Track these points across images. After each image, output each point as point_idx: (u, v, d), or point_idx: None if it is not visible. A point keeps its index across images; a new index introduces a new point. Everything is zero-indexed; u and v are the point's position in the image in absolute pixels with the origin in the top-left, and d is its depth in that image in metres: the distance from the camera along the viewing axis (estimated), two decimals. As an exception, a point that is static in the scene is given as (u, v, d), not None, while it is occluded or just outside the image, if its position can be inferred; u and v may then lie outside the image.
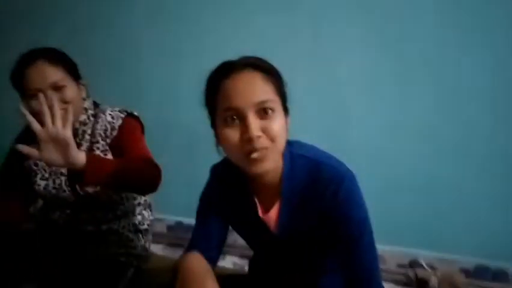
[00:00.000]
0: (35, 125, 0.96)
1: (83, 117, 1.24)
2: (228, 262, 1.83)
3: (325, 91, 1.77)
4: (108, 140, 1.24)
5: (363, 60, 1.71)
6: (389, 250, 1.76)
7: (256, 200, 0.94)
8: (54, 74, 1.13)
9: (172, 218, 2.06)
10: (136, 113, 1.32)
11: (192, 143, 1.99)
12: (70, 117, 0.98)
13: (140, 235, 1.38)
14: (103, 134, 1.24)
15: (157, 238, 1.91)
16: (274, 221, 0.93)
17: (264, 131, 0.79)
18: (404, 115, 1.69)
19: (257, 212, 0.93)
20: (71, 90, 1.16)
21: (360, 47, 1.70)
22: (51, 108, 0.96)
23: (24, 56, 1.15)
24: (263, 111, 0.79)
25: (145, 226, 1.40)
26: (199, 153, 1.95)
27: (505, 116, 1.58)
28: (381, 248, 1.74)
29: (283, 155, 0.89)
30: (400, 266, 1.76)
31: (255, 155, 0.79)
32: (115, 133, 1.24)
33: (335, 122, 1.78)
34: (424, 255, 1.74)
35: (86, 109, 1.25)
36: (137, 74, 2.06)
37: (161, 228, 2.04)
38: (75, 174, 1.13)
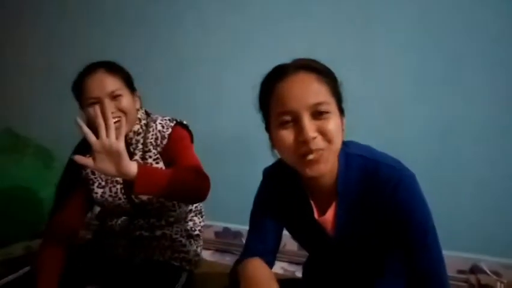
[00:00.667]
0: (90, 136, 1.00)
1: (136, 127, 1.28)
2: (277, 268, 1.81)
3: (375, 92, 1.74)
4: (159, 149, 1.28)
5: (415, 60, 1.66)
6: (448, 255, 1.64)
7: (311, 202, 0.92)
8: (113, 83, 1.19)
9: (220, 224, 2.08)
10: (185, 122, 1.35)
11: (238, 150, 2.00)
12: (123, 130, 1.02)
13: (192, 240, 1.40)
14: (154, 143, 1.28)
15: (206, 244, 1.93)
16: (331, 223, 0.90)
17: (320, 132, 0.78)
18: (459, 115, 1.62)
19: (313, 214, 0.91)
20: (127, 99, 1.21)
21: (412, 47, 1.66)
22: (106, 120, 1.00)
23: (85, 67, 1.21)
24: (318, 113, 0.78)
25: (197, 232, 1.43)
26: (245, 160, 1.97)
27: None
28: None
29: (339, 156, 0.87)
30: (460, 272, 1.66)
31: (310, 157, 0.78)
32: (165, 142, 1.27)
33: (386, 123, 1.73)
34: (486, 261, 1.63)
35: (139, 119, 1.30)
36: (183, 84, 2.13)
37: (209, 234, 2.07)
38: (129, 184, 1.16)
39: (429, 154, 1.67)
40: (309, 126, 0.77)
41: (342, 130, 0.84)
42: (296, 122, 0.79)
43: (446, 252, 1.65)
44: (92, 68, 1.20)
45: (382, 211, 0.83)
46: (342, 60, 1.69)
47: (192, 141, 1.35)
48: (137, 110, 1.29)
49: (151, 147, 1.28)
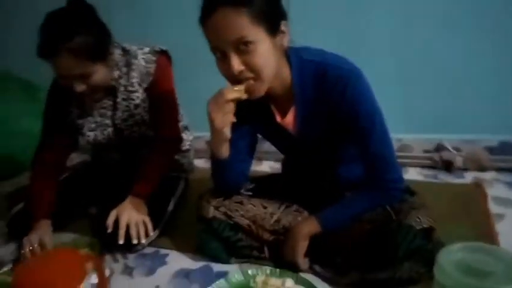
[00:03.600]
0: None
1: (116, 73, 1.27)
2: (265, 166, 2.00)
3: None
4: (144, 85, 1.30)
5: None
6: (415, 138, 1.84)
7: (273, 107, 1.04)
8: (78, 66, 1.11)
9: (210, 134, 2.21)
10: (164, 48, 1.33)
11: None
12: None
13: (184, 154, 1.54)
14: (139, 81, 1.29)
15: (199, 154, 2.08)
16: (292, 125, 1.04)
17: (246, 64, 0.86)
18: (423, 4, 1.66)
19: (275, 118, 1.04)
20: (98, 74, 1.17)
21: None
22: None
23: (43, 46, 1.10)
24: (243, 45, 0.84)
25: (187, 146, 1.55)
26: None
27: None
28: (407, 136, 1.84)
29: (292, 63, 0.95)
30: (426, 151, 1.83)
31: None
32: (151, 78, 1.29)
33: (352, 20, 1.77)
34: (449, 139, 1.79)
35: (116, 63, 1.27)
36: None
37: (201, 144, 2.20)
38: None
39: (392, 44, 1.75)
40: (234, 61, 0.85)
41: (281, 45, 0.90)
42: (225, 56, 0.86)
43: (413, 136, 1.84)
44: (56, 50, 1.08)
45: (335, 109, 0.95)
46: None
47: (170, 64, 1.35)
48: (111, 54, 1.23)
49: (138, 87, 1.29)
